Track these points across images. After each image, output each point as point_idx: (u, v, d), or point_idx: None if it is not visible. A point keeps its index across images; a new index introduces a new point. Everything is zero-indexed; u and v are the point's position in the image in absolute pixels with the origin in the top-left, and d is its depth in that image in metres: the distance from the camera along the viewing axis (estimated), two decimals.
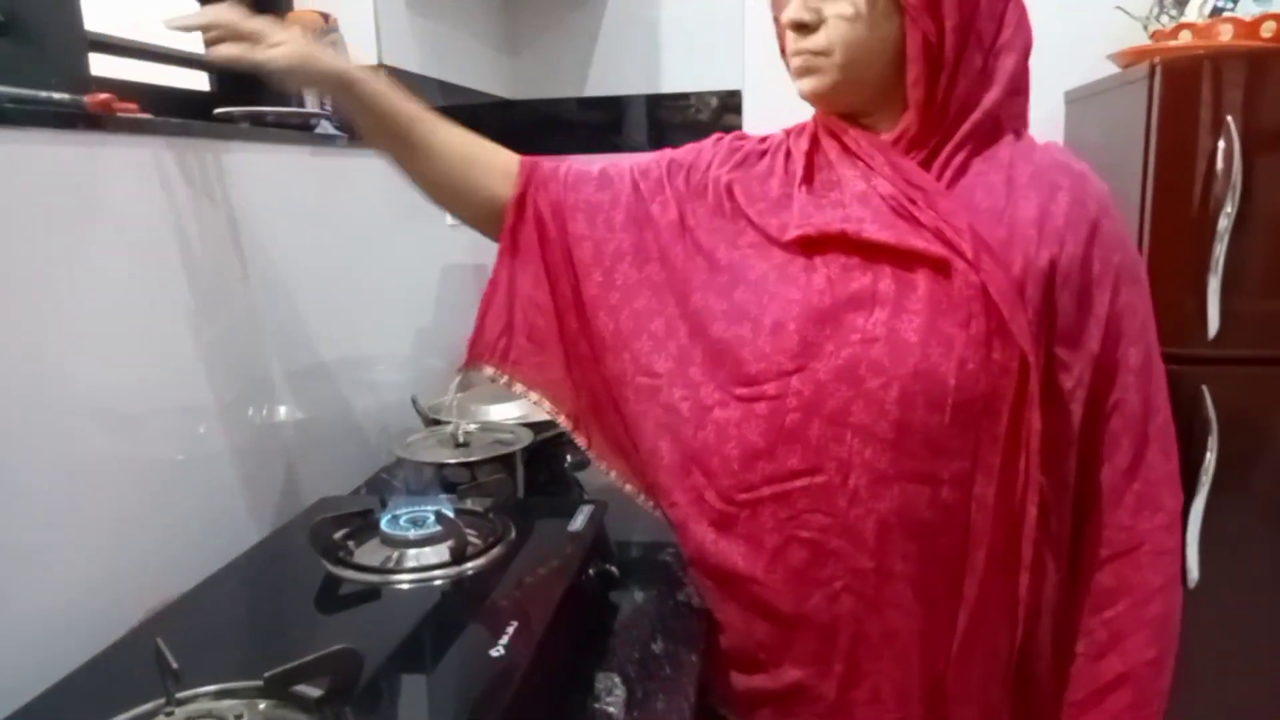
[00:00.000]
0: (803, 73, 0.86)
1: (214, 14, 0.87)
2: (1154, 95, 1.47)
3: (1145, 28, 1.80)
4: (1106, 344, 0.83)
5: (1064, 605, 0.88)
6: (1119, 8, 1.82)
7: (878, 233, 0.81)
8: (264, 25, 0.87)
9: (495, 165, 1.00)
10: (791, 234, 0.85)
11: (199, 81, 1.28)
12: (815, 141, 0.91)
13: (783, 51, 0.91)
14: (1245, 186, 1.43)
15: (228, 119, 1.11)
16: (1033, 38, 0.87)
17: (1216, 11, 1.74)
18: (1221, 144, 1.43)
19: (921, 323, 0.80)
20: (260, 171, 1.11)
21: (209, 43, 0.88)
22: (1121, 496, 0.86)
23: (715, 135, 1.01)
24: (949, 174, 0.84)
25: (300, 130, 1.22)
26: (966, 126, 0.84)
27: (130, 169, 0.89)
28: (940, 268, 0.80)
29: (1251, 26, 1.56)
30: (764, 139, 0.98)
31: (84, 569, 0.83)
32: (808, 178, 0.89)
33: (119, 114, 0.89)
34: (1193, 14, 1.76)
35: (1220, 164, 1.43)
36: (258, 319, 1.09)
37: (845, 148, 0.87)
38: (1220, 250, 1.44)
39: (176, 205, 0.95)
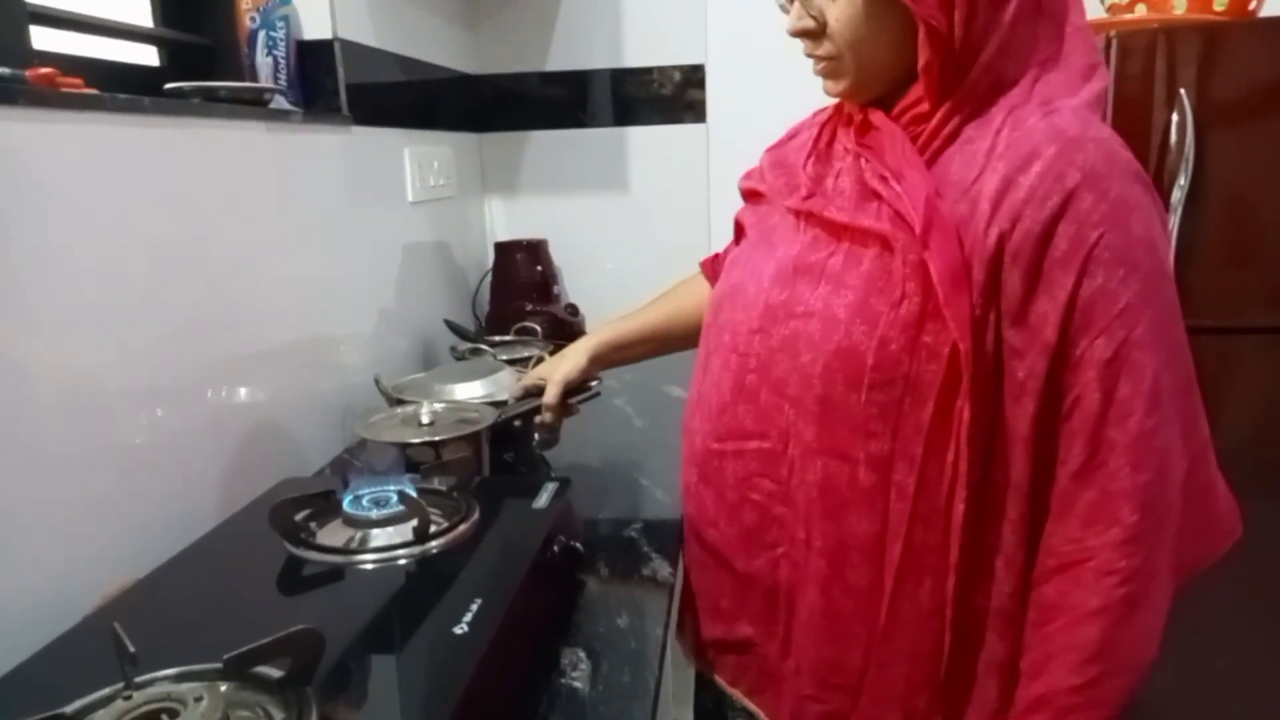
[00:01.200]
0: (821, 75, 0.87)
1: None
2: (1110, 68, 1.49)
3: (1103, 1, 1.82)
4: (1068, 332, 0.73)
5: (1023, 618, 0.80)
6: None
7: (836, 213, 0.83)
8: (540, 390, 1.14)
9: (696, 293, 1.15)
10: (788, 204, 0.90)
11: (148, 56, 1.25)
12: (834, 118, 0.93)
13: None
14: (1198, 159, 1.45)
15: (179, 94, 1.08)
16: None
17: None
18: (1175, 117, 1.46)
19: (854, 299, 0.79)
20: (214, 148, 1.08)
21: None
22: (1072, 504, 0.75)
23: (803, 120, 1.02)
24: (936, 142, 0.80)
25: (255, 105, 1.19)
26: (963, 88, 0.79)
27: (78, 146, 0.87)
28: (886, 245, 0.78)
29: (1205, 0, 1.58)
30: (820, 111, 0.97)
31: (40, 554, 0.81)
32: (819, 152, 0.92)
33: (64, 89, 0.86)
34: None
35: (1174, 137, 1.46)
36: (216, 300, 1.07)
37: (850, 127, 0.88)
38: (1174, 222, 1.47)
39: (127, 184, 0.93)
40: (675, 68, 2.05)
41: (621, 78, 2.07)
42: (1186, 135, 1.44)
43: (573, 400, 1.17)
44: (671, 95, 2.06)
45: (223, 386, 1.09)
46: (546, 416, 1.12)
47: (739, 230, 1.05)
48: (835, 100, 0.91)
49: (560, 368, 1.13)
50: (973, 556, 0.79)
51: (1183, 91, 1.45)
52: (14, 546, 0.79)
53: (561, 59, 2.08)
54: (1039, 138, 0.75)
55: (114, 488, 0.90)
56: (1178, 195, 1.46)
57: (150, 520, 0.94)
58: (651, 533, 1.04)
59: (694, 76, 2.05)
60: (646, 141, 2.08)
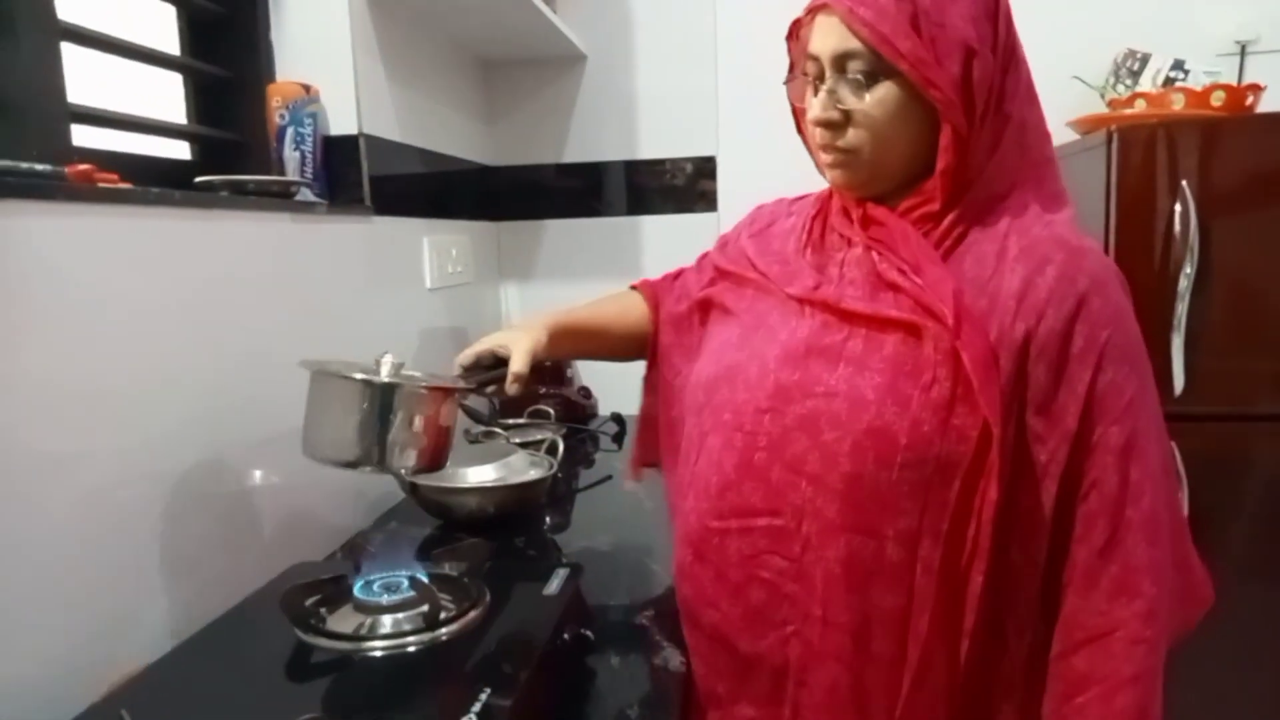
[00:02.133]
0: (834, 167, 0.89)
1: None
2: (1112, 161, 1.52)
3: (1102, 96, 1.88)
4: (1085, 422, 0.81)
5: (1034, 688, 0.85)
6: (1077, 77, 1.89)
7: (854, 303, 0.86)
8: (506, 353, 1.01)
9: (635, 309, 1.17)
10: (790, 291, 0.91)
11: (180, 151, 1.30)
12: (825, 209, 0.97)
13: (799, 127, 0.96)
14: (1203, 247, 1.47)
15: (208, 187, 1.13)
16: (1029, 96, 0.87)
17: (1169, 81, 1.82)
18: (1178, 207, 1.48)
19: (882, 382, 0.81)
20: (241, 239, 1.12)
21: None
22: (1097, 579, 0.81)
23: (757, 206, 1.11)
24: (948, 242, 0.86)
25: (281, 197, 1.23)
26: (967, 196, 0.85)
27: (111, 238, 0.90)
28: (912, 332, 0.82)
29: (1202, 96, 1.63)
30: (798, 200, 1.06)
31: (46, 640, 0.81)
32: (814, 241, 0.95)
33: (100, 184, 0.90)
34: (1146, 84, 1.84)
35: (1178, 226, 1.48)
36: (234, 385, 1.09)
37: (850, 220, 0.91)
38: (1182, 309, 1.48)
39: (155, 273, 0.96)
40: (687, 159, 2.11)
41: (635, 169, 2.14)
42: (1190, 224, 1.47)
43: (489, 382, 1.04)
44: (683, 185, 2.12)
45: (237, 471, 1.10)
46: (513, 388, 0.99)
47: (706, 307, 1.06)
48: (812, 192, 1.00)
49: (523, 339, 1.01)
50: (987, 626, 0.82)
51: (1184, 182, 1.48)
52: (19, 631, 0.79)
53: (577, 151, 2.15)
54: (1047, 246, 0.83)
55: (124, 571, 0.91)
56: (1184, 283, 1.48)
57: (160, 604, 0.94)
58: (662, 621, 1.02)
59: (705, 167, 2.11)
60: (659, 230, 2.13)
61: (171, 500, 0.97)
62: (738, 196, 2.10)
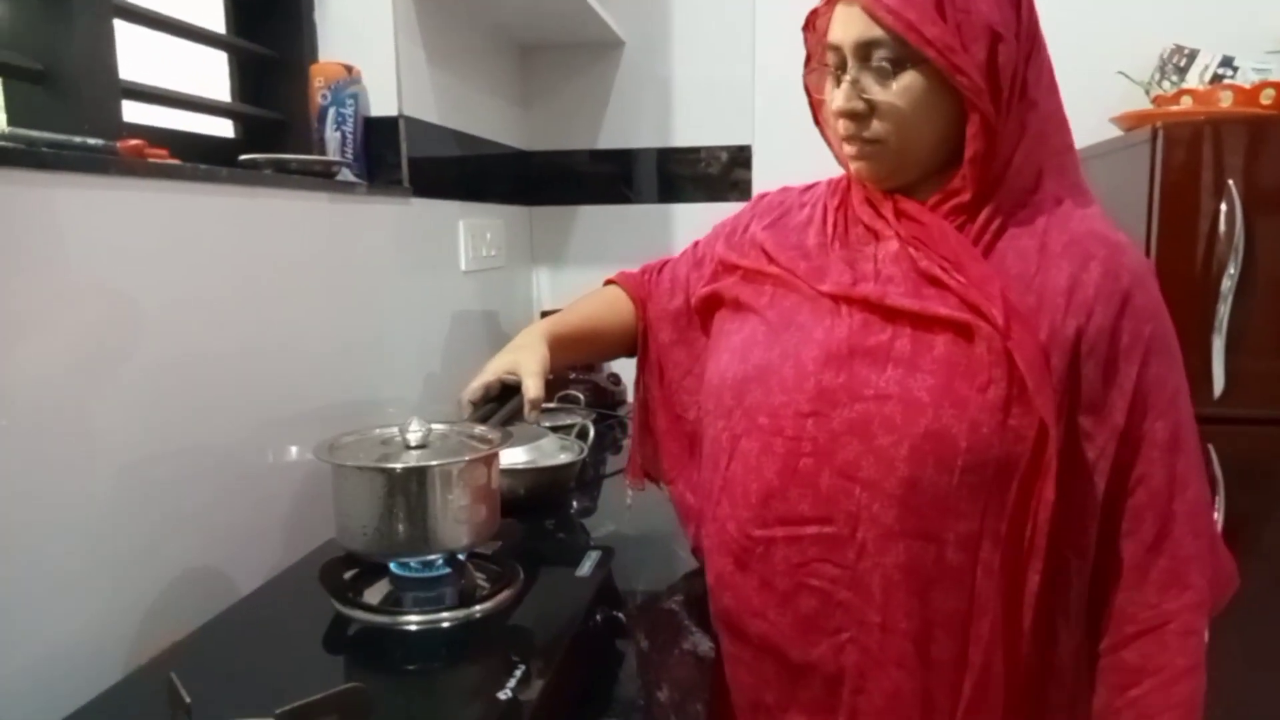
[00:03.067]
0: (859, 158, 0.87)
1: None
2: (1156, 158, 1.50)
3: (1147, 92, 1.84)
4: (1132, 417, 0.81)
5: (1084, 677, 0.86)
6: (1121, 72, 1.86)
7: (900, 299, 0.83)
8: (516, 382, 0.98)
9: (622, 305, 1.13)
10: (824, 288, 0.88)
11: (224, 129, 1.32)
12: (845, 199, 0.94)
13: (816, 118, 0.94)
14: (1248, 248, 1.45)
15: (253, 165, 1.14)
16: (1051, 84, 0.86)
17: (1217, 78, 1.78)
18: (1224, 206, 1.46)
19: (935, 383, 0.80)
20: (282, 217, 1.14)
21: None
22: (1147, 572, 0.83)
23: (758, 195, 1.08)
24: (986, 238, 0.84)
25: (322, 177, 1.25)
26: (1003, 187, 0.84)
27: (159, 213, 0.92)
28: (962, 331, 0.80)
29: (1251, 94, 1.60)
30: (808, 189, 1.02)
31: (91, 607, 0.83)
32: (840, 234, 0.92)
33: (150, 159, 0.92)
34: (1193, 80, 1.80)
35: (1223, 226, 1.46)
36: (272, 361, 1.10)
37: (879, 213, 0.89)
38: (1224, 311, 1.46)
39: (201, 249, 0.98)
40: (723, 148, 2.10)
41: (669, 156, 2.14)
42: (1236, 224, 1.44)
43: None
44: (718, 174, 2.12)
45: (274, 445, 1.11)
46: (533, 415, 0.97)
47: (714, 302, 1.01)
48: (820, 181, 0.99)
49: (530, 360, 0.98)
50: (1041, 623, 0.83)
51: (1230, 181, 1.45)
52: (72, 597, 0.81)
53: (611, 137, 2.15)
54: (1088, 241, 0.83)
55: (168, 541, 0.93)
56: (1228, 284, 1.45)
57: (202, 575, 0.96)
58: (691, 606, 1.03)
59: (740, 156, 2.10)
60: (691, 217, 2.12)
61: (213, 474, 0.99)
62: (772, 186, 2.09)
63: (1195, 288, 1.48)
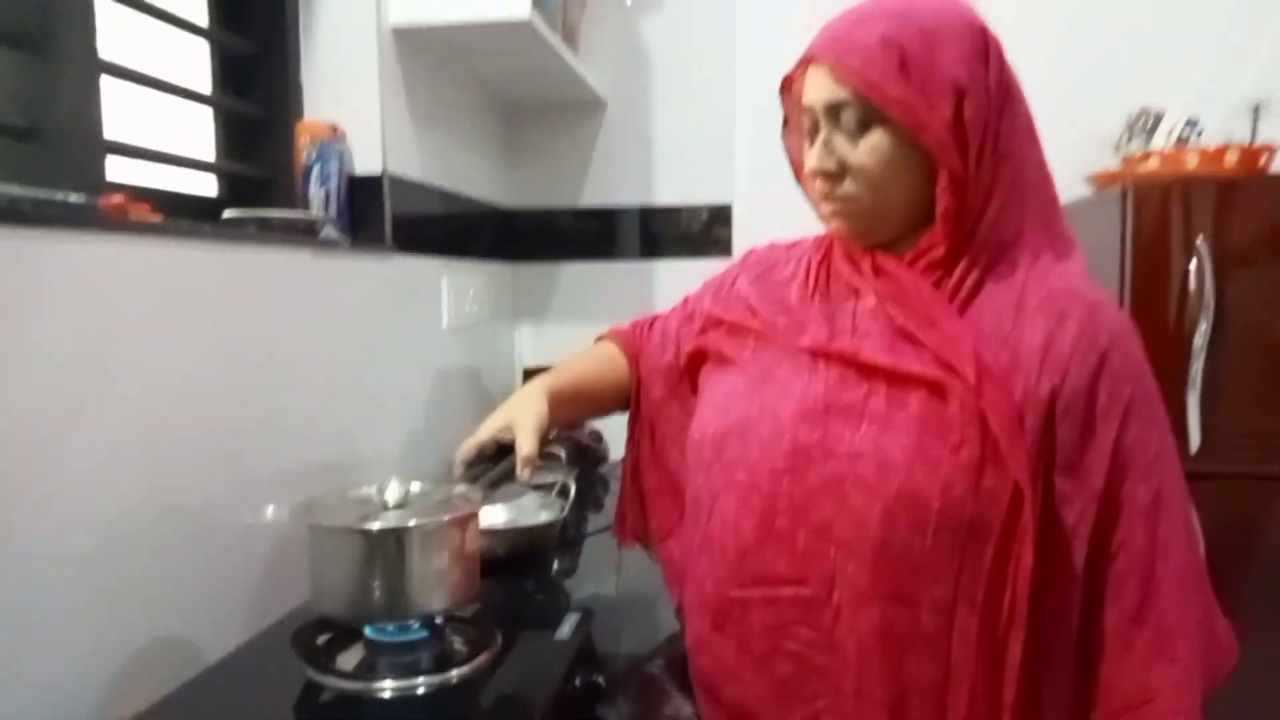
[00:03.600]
0: (835, 217, 0.88)
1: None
2: (1128, 216, 1.53)
3: (1117, 152, 1.89)
4: (1112, 480, 0.79)
5: None
6: (1092, 132, 1.90)
7: (874, 355, 0.82)
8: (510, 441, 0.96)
9: (617, 362, 1.12)
10: (802, 343, 0.88)
11: (210, 186, 1.32)
12: (828, 255, 0.94)
13: (798, 178, 0.95)
14: (1218, 304, 1.47)
15: (236, 222, 1.14)
16: (1030, 137, 0.87)
17: (1183, 139, 1.83)
18: (1194, 264, 1.49)
19: (909, 442, 0.78)
20: (265, 273, 1.13)
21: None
22: (1131, 644, 0.79)
23: (747, 250, 1.08)
24: (962, 294, 0.83)
25: (305, 234, 1.25)
26: (977, 240, 0.84)
27: (142, 268, 0.92)
28: (936, 389, 0.79)
29: (1215, 156, 1.64)
30: (793, 245, 1.02)
31: (60, 672, 0.81)
32: (821, 289, 0.92)
33: (132, 216, 0.91)
34: (1160, 141, 1.85)
35: (1194, 283, 1.49)
36: (251, 419, 1.09)
37: (858, 268, 0.89)
38: (1198, 367, 1.48)
39: (182, 305, 0.97)
40: (703, 207, 2.13)
41: (650, 214, 2.16)
42: (1206, 281, 1.47)
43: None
44: (698, 232, 2.14)
45: (250, 504, 1.10)
46: (525, 474, 0.93)
47: (700, 357, 1.01)
48: (808, 237, 0.98)
49: (527, 418, 0.97)
50: (1025, 695, 0.79)
51: (1199, 239, 1.48)
52: (34, 662, 0.78)
53: (594, 195, 2.17)
54: (1065, 299, 0.82)
55: (138, 603, 0.90)
56: (1199, 340, 1.48)
57: (172, 638, 0.93)
58: (672, 669, 1.01)
59: (721, 214, 2.12)
60: (673, 274, 2.14)
61: (184, 533, 0.97)
62: (751, 243, 2.13)
63: (1169, 344, 1.50)
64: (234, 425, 1.06)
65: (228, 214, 1.14)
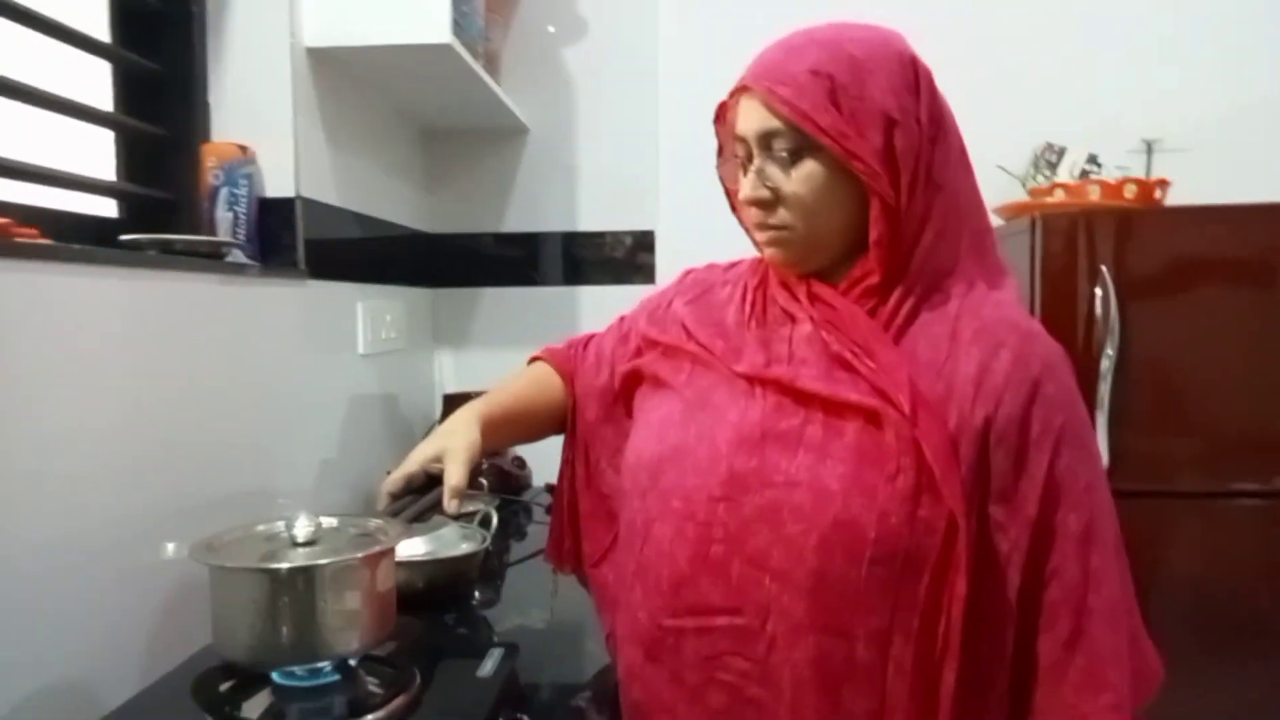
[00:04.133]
0: (770, 245, 0.88)
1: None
2: (1036, 246, 1.59)
3: (1024, 185, 1.97)
4: (1044, 508, 0.79)
5: None
6: (1000, 166, 1.98)
7: (811, 383, 0.82)
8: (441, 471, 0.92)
9: (551, 384, 1.09)
10: (739, 368, 0.87)
11: (107, 208, 1.26)
12: (765, 280, 0.94)
13: (733, 207, 0.95)
14: (1123, 330, 1.53)
15: (135, 246, 1.09)
16: (963, 165, 0.88)
17: (1085, 174, 1.92)
18: (1099, 291, 1.55)
19: (845, 471, 0.78)
20: (168, 300, 1.08)
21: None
22: (1064, 672, 0.79)
23: (684, 271, 1.07)
24: (898, 322, 0.84)
25: (210, 258, 1.20)
26: (911, 269, 0.84)
27: (30, 294, 0.86)
28: (872, 419, 0.79)
29: (1116, 188, 1.72)
30: (731, 266, 1.02)
31: None
32: (757, 315, 0.92)
33: (17, 239, 0.86)
34: (1064, 174, 1.94)
35: (1099, 309, 1.55)
36: (153, 452, 1.03)
37: (794, 295, 0.89)
38: (1105, 389, 1.53)
39: (77, 330, 0.91)
40: (627, 232, 2.13)
41: (574, 240, 2.15)
42: (1111, 308, 1.53)
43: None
44: (622, 258, 2.14)
45: (150, 542, 1.03)
46: (453, 505, 0.90)
47: (635, 379, 1.00)
48: (746, 259, 0.98)
49: (459, 449, 0.93)
50: None
51: (1103, 268, 1.55)
52: None
53: (516, 221, 2.16)
54: (999, 329, 0.82)
55: (22, 649, 0.84)
56: (1106, 364, 1.53)
57: (59, 687, 0.86)
58: (600, 702, 0.99)
59: (644, 240, 2.13)
60: (596, 300, 2.13)
61: (80, 571, 0.91)
62: (676, 270, 2.14)
63: (1078, 368, 1.53)
64: (133, 458, 1.00)
65: (125, 238, 1.09)
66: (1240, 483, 1.58)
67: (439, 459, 0.92)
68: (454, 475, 0.90)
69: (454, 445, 0.93)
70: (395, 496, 0.92)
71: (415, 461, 0.94)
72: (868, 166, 0.80)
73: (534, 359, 1.13)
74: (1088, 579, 0.79)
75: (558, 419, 1.09)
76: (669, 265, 2.10)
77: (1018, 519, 0.79)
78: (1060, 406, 0.81)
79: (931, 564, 0.77)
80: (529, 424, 1.08)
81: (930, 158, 0.83)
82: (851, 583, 0.77)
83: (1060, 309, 1.58)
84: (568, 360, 1.10)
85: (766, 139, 0.84)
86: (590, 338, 1.12)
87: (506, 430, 1.04)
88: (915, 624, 0.77)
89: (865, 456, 0.78)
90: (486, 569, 1.40)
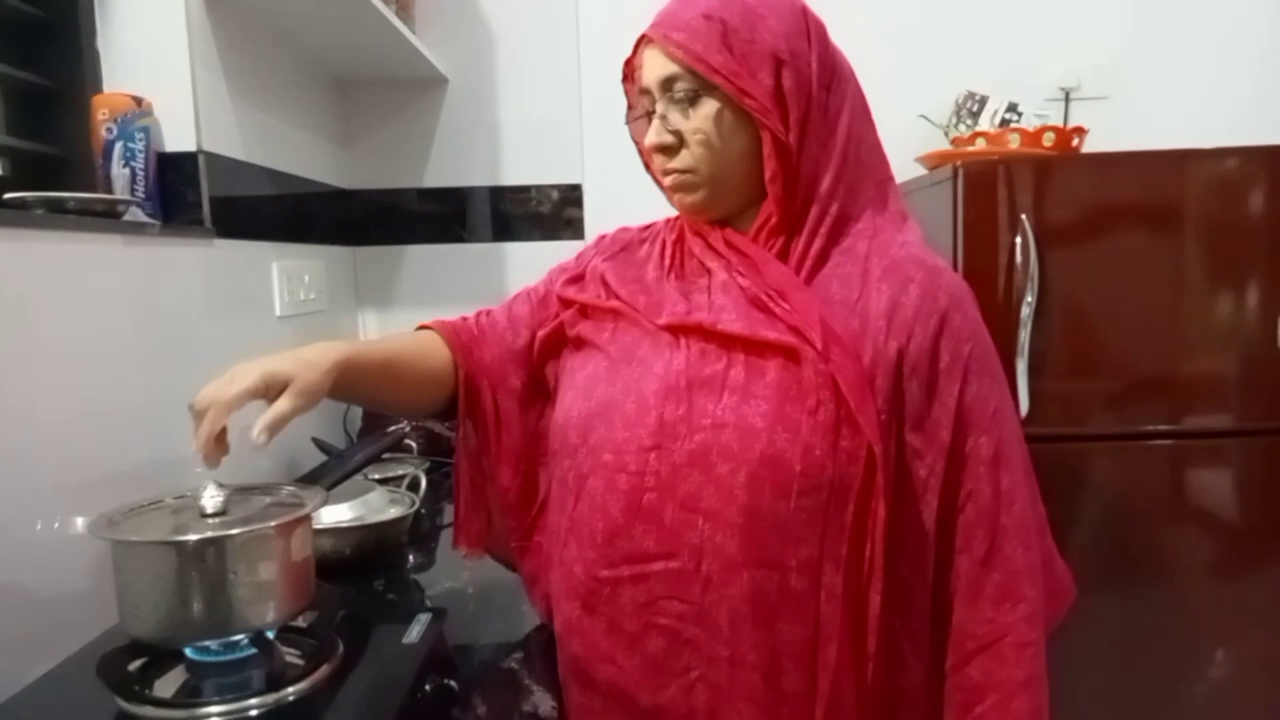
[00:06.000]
0: (676, 190, 0.91)
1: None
2: (958, 195, 1.60)
3: (946, 134, 1.98)
4: (957, 434, 0.84)
5: (934, 701, 0.87)
6: (923, 116, 1.99)
7: (731, 324, 0.85)
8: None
9: (436, 351, 1.01)
10: (661, 320, 0.89)
11: None
12: (681, 234, 0.97)
13: (647, 167, 0.97)
14: (1042, 277, 1.56)
15: (21, 205, 1.02)
16: (864, 117, 0.91)
17: (1005, 122, 1.94)
18: (1019, 239, 1.57)
19: (769, 409, 0.81)
20: (61, 261, 1.01)
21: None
22: (981, 588, 0.84)
23: (599, 236, 1.07)
24: (808, 264, 0.87)
25: (106, 217, 1.13)
26: (814, 212, 0.88)
27: None
28: (791, 356, 0.82)
29: (1035, 136, 1.74)
30: (646, 227, 1.04)
31: None
32: (676, 268, 0.94)
33: None
34: (985, 123, 1.95)
35: (1019, 257, 1.57)
36: (54, 420, 0.98)
37: (709, 245, 0.92)
38: (1025, 336, 1.56)
39: None
40: (553, 186, 2.09)
41: (500, 195, 2.10)
42: (1030, 255, 1.55)
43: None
44: (549, 213, 2.10)
45: (55, 517, 0.98)
46: (261, 438, 0.79)
47: (558, 342, 0.99)
48: (658, 220, 1.00)
49: (308, 379, 0.83)
50: (886, 647, 0.83)
51: (1023, 216, 1.57)
52: None
53: (439, 176, 2.09)
54: (907, 265, 0.87)
55: None
56: (1026, 311, 1.56)
57: None
58: (532, 663, 0.98)
59: (572, 195, 2.09)
60: (525, 256, 2.09)
61: None
62: (604, 224, 2.11)
63: (998, 315, 1.58)
64: (29, 431, 0.94)
65: (9, 196, 1.01)
66: (1151, 424, 1.63)
67: (282, 385, 0.81)
68: (282, 405, 0.80)
69: (305, 381, 0.82)
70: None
71: (258, 376, 0.81)
72: (759, 104, 0.84)
73: (422, 327, 1.06)
74: (999, 499, 0.84)
75: (431, 393, 1.00)
76: (597, 219, 2.07)
77: (933, 445, 0.83)
78: (967, 337, 0.85)
79: (855, 492, 0.80)
80: (398, 385, 0.98)
81: (825, 102, 0.88)
82: (781, 515, 0.80)
83: (981, 257, 1.59)
84: (463, 330, 1.03)
85: (667, 84, 0.87)
86: (486, 311, 1.07)
87: (370, 384, 0.94)
88: (844, 551, 0.81)
89: (786, 393, 0.81)
90: (417, 532, 1.38)
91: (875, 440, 0.79)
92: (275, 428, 0.79)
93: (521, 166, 2.09)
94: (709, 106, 0.86)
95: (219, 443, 0.78)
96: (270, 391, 0.81)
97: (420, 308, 2.08)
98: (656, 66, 0.88)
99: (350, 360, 0.88)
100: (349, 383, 0.88)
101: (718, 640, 0.82)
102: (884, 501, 0.80)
